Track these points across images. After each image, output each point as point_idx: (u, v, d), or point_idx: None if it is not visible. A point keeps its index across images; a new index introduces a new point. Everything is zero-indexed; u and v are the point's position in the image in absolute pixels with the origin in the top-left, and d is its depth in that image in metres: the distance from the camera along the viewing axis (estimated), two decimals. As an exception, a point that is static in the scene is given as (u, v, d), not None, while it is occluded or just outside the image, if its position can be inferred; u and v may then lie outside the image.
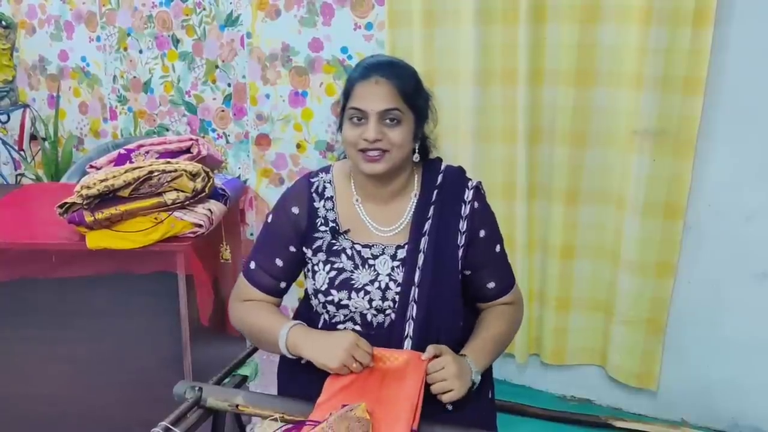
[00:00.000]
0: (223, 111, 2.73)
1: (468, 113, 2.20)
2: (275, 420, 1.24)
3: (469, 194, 1.34)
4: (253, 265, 1.38)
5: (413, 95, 1.28)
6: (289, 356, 1.27)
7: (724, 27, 1.88)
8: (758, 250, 2.00)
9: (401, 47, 2.24)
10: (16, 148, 3.04)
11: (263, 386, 1.71)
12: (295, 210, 1.35)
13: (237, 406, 1.29)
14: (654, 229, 2.05)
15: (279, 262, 1.36)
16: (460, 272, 1.31)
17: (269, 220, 1.39)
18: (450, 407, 1.25)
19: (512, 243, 2.19)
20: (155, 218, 1.75)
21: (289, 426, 1.22)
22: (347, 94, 1.28)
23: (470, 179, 1.38)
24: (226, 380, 1.44)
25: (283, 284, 1.38)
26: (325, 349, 1.22)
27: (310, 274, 1.34)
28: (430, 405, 1.21)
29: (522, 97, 2.12)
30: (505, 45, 2.12)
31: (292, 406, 1.26)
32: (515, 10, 2.07)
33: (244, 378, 1.47)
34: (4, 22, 2.75)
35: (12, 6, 3.00)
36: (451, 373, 1.20)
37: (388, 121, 1.25)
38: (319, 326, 1.35)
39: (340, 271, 1.31)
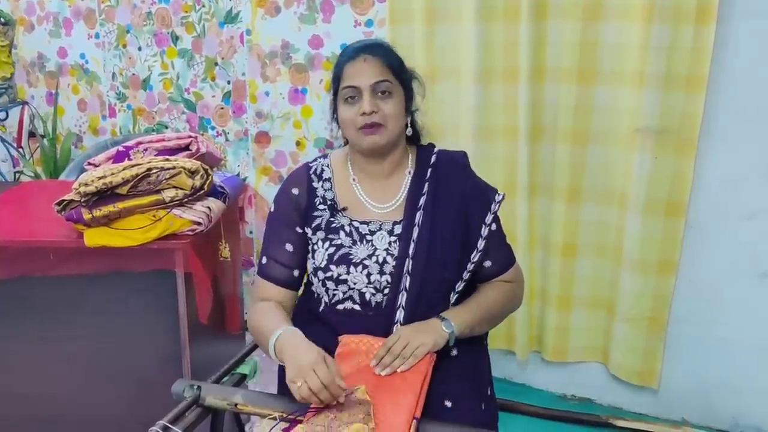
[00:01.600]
0: (222, 108, 2.72)
1: (469, 111, 2.20)
2: (274, 419, 1.23)
3: (463, 175, 1.39)
4: (264, 260, 1.40)
5: (399, 69, 1.35)
6: (277, 362, 1.25)
7: (726, 25, 1.87)
8: (760, 250, 1.99)
9: (402, 44, 2.22)
10: (15, 145, 3.03)
11: (262, 385, 1.71)
12: (295, 191, 1.40)
13: (236, 404, 1.28)
14: (655, 227, 2.05)
15: (289, 247, 1.38)
16: (454, 248, 1.34)
17: (272, 210, 1.43)
18: (449, 404, 1.26)
19: (514, 241, 2.16)
20: (153, 216, 1.74)
21: (288, 426, 1.22)
22: (338, 78, 1.34)
23: (466, 165, 1.42)
24: (225, 379, 1.43)
25: (296, 272, 1.39)
26: (291, 369, 1.16)
27: (310, 254, 1.37)
28: (430, 401, 1.21)
29: (523, 95, 2.11)
30: (507, 42, 2.12)
31: (292, 405, 1.25)
32: (516, 7, 2.06)
33: (243, 376, 1.46)
34: (2, 19, 2.74)
35: (11, 3, 2.99)
36: (407, 335, 1.24)
37: (380, 93, 1.31)
38: (320, 310, 1.37)
39: (339, 247, 1.34)
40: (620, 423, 1.34)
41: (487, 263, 1.39)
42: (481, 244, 1.36)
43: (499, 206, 1.39)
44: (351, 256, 1.33)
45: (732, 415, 2.12)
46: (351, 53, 1.33)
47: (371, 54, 1.32)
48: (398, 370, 1.22)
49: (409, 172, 1.40)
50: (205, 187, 1.81)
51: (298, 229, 1.38)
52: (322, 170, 1.42)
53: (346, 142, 1.44)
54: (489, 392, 1.41)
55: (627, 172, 2.06)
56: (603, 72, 2.06)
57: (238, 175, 2.71)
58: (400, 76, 1.35)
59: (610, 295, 2.22)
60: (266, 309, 1.36)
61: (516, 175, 2.20)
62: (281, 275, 1.39)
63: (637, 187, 2.04)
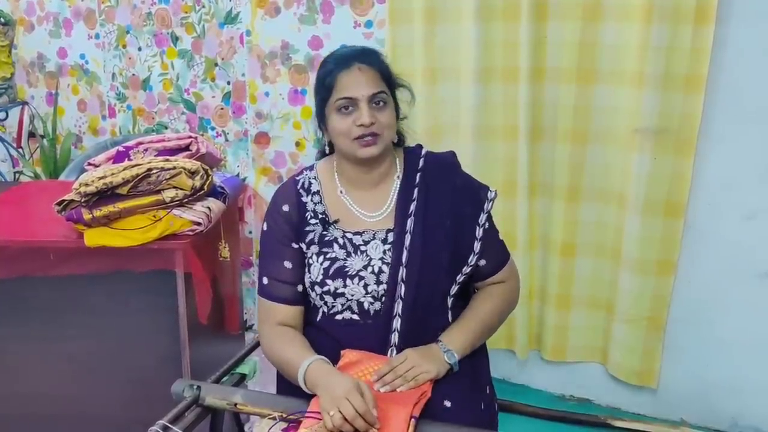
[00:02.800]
0: (222, 109, 2.72)
1: (469, 111, 2.20)
2: (274, 419, 1.23)
3: (453, 176, 1.38)
4: (265, 280, 1.38)
5: (390, 78, 1.35)
6: (308, 392, 1.25)
7: (725, 25, 1.87)
8: (759, 250, 1.99)
9: (402, 45, 2.22)
10: (15, 145, 3.03)
11: (262, 385, 1.71)
12: (286, 208, 1.38)
13: (235, 404, 1.29)
14: (654, 227, 2.05)
15: (288, 264, 1.36)
16: (448, 252, 1.34)
17: (265, 229, 1.40)
18: (448, 403, 1.26)
19: (513, 240, 2.18)
20: (154, 216, 1.75)
21: (287, 427, 1.22)
22: (329, 87, 1.30)
23: (455, 164, 1.41)
24: (225, 378, 1.43)
25: (300, 287, 1.37)
26: (325, 399, 1.17)
27: (306, 268, 1.36)
28: (429, 401, 1.23)
29: (523, 95, 2.11)
30: (507, 42, 2.12)
31: (291, 405, 1.25)
32: (516, 7, 2.06)
33: (243, 376, 1.46)
34: (2, 19, 2.74)
35: (11, 3, 2.99)
36: (412, 358, 1.25)
37: (376, 104, 1.29)
38: (318, 319, 1.36)
39: (334, 260, 1.33)
40: (619, 423, 1.35)
41: (482, 262, 1.39)
42: (477, 246, 1.35)
43: (492, 204, 1.38)
44: (346, 269, 1.32)
45: (731, 415, 2.12)
46: (343, 62, 1.31)
47: (366, 63, 1.30)
48: (397, 390, 1.22)
49: (398, 177, 1.38)
50: (205, 187, 1.81)
51: (294, 245, 1.36)
52: (310, 183, 1.39)
53: (331, 151, 1.42)
54: (488, 392, 1.41)
55: (626, 172, 2.07)
56: (602, 72, 2.06)
57: (237, 175, 2.71)
58: (391, 83, 1.35)
59: (609, 295, 2.22)
60: (283, 336, 1.33)
61: (516, 175, 2.20)
62: (286, 293, 1.36)
63: (636, 187, 2.04)
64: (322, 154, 1.46)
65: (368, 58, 1.32)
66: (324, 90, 1.32)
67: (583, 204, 2.18)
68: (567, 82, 2.09)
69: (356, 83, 1.28)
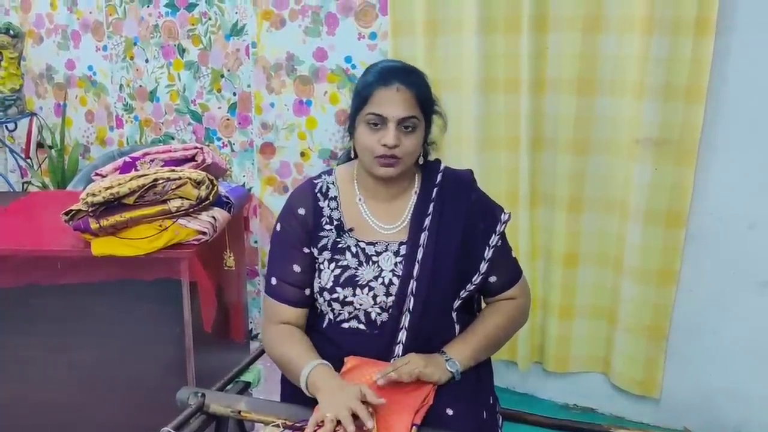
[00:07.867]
0: (228, 120, 2.75)
1: (471, 121, 2.22)
2: (278, 426, 1.24)
3: (469, 193, 1.39)
4: (273, 281, 1.38)
5: (427, 102, 1.34)
6: (309, 395, 1.25)
7: (725, 36, 1.89)
8: (760, 259, 1.99)
9: (405, 56, 2.25)
10: (23, 156, 3.06)
11: (266, 393, 1.72)
12: (301, 211, 1.38)
13: (240, 412, 1.30)
14: (656, 237, 2.06)
15: (297, 268, 1.36)
16: (457, 268, 1.34)
17: (278, 229, 1.41)
18: (451, 411, 1.26)
19: (516, 250, 2.17)
20: (160, 225, 1.76)
21: (291, 432, 1.24)
22: (365, 98, 1.30)
23: (472, 182, 1.43)
24: (229, 386, 1.44)
25: (307, 291, 1.38)
26: (330, 402, 1.17)
27: (316, 273, 1.36)
28: (431, 409, 1.24)
29: (525, 106, 2.13)
30: (508, 54, 2.14)
31: (295, 413, 1.26)
32: (517, 19, 2.09)
33: (247, 384, 1.47)
34: (12, 32, 2.78)
35: (20, 15, 3.03)
36: (416, 361, 1.26)
37: (405, 128, 1.29)
38: (324, 326, 1.37)
39: (345, 268, 1.33)
40: (621, 432, 1.35)
41: (492, 278, 1.40)
42: (483, 267, 1.36)
43: (504, 226, 1.39)
44: (357, 278, 1.32)
45: (734, 424, 2.12)
46: (384, 78, 1.29)
47: (405, 85, 1.28)
48: (402, 378, 1.22)
49: (416, 192, 1.39)
50: (211, 197, 1.83)
51: (306, 249, 1.36)
52: (328, 188, 1.40)
53: (355, 155, 1.41)
54: (491, 401, 1.42)
55: (627, 182, 2.08)
56: (603, 83, 2.07)
57: (243, 185, 2.73)
58: (427, 108, 1.33)
59: (611, 304, 2.22)
60: (290, 336, 1.34)
61: (518, 185, 2.21)
62: (293, 296, 1.37)
63: (637, 197, 2.05)
64: (347, 158, 1.46)
65: (408, 79, 1.30)
66: (359, 100, 1.32)
67: (585, 214, 2.19)
68: (568, 93, 2.10)
69: (391, 102, 1.27)
